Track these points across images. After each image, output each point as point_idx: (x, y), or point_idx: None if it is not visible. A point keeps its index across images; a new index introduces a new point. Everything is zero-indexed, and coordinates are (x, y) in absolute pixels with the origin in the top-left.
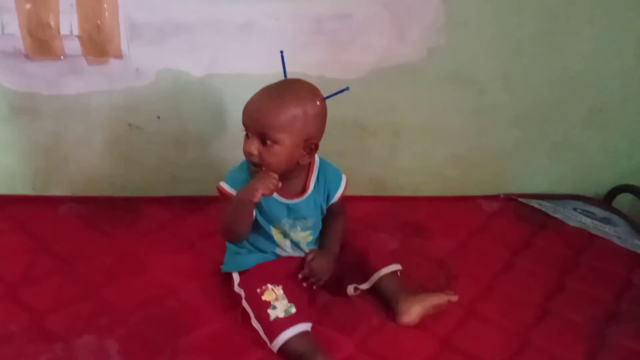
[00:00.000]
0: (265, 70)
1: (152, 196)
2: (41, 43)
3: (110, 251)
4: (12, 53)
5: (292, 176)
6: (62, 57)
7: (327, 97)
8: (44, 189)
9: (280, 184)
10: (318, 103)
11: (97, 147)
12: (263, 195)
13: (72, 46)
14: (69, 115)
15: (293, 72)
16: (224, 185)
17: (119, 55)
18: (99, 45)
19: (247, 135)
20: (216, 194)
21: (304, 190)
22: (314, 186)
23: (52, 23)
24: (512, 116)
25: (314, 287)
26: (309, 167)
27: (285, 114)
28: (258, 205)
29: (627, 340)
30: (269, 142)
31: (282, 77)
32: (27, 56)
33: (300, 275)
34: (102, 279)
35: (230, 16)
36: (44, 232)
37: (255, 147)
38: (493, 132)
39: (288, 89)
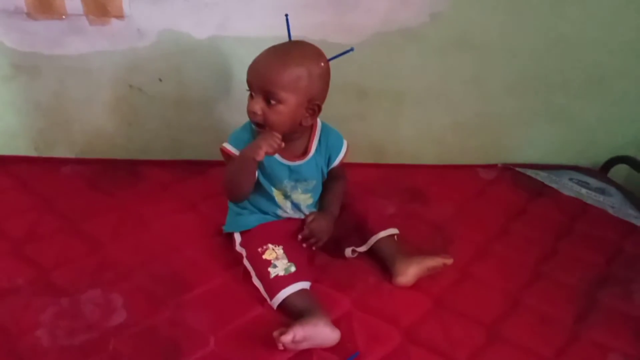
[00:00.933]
0: (268, 33)
1: (154, 159)
2: (42, 1)
3: (113, 210)
4: (13, 11)
5: (295, 138)
6: (63, 16)
7: (332, 59)
8: (47, 150)
9: (283, 144)
10: (322, 64)
11: (99, 108)
12: (266, 154)
13: (74, 5)
14: (71, 75)
15: (295, 35)
16: (227, 146)
17: (121, 15)
18: (100, 4)
19: (250, 95)
20: (218, 157)
21: (305, 152)
22: (316, 149)
23: None
24: (512, 83)
25: (314, 248)
26: (311, 130)
27: (290, 72)
28: (260, 166)
29: (616, 302)
30: (273, 102)
31: (285, 40)
32: (28, 15)
33: (300, 236)
34: (106, 237)
35: None
36: (47, 191)
37: (259, 106)
38: (493, 99)
39: (293, 50)
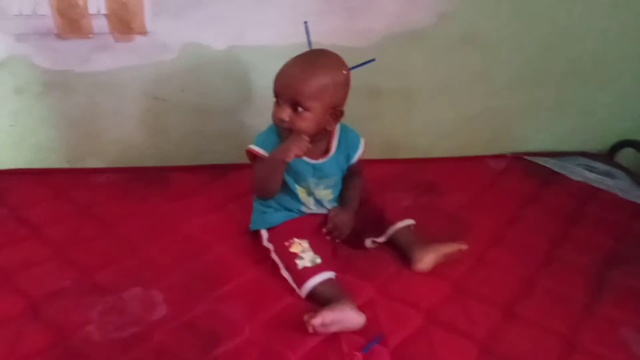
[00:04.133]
0: (284, 41)
1: (180, 165)
2: (71, 22)
3: (146, 214)
4: (44, 33)
5: (317, 139)
6: (90, 35)
7: (353, 68)
8: (79, 162)
9: (310, 147)
10: (344, 72)
11: (126, 119)
12: (296, 156)
13: (100, 24)
14: (99, 90)
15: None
16: (255, 147)
17: (144, 32)
18: (124, 22)
19: (277, 103)
20: (240, 161)
21: (327, 151)
22: (336, 148)
23: (80, 2)
24: (519, 76)
25: (337, 241)
26: (331, 131)
27: (316, 82)
28: (287, 165)
29: (627, 280)
30: (300, 109)
31: (302, 47)
32: (58, 35)
33: (324, 230)
34: (143, 239)
35: None
36: (84, 199)
37: (287, 113)
38: (501, 92)
39: (318, 60)
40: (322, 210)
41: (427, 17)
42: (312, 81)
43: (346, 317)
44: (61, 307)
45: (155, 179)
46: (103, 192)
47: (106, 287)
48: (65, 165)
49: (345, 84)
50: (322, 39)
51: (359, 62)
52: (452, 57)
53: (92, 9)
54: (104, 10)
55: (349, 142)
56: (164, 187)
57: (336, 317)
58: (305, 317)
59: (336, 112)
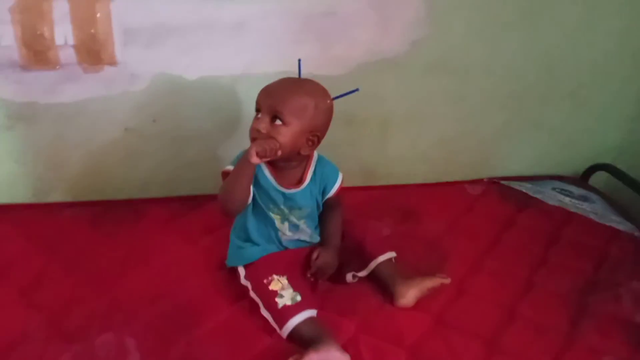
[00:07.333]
0: (257, 69)
1: (152, 197)
2: (37, 54)
3: (116, 250)
4: (8, 64)
5: (291, 167)
6: (57, 67)
7: (336, 98)
8: (45, 195)
9: (280, 152)
10: (328, 101)
11: (95, 151)
12: (258, 154)
13: (68, 55)
14: (67, 121)
15: (283, 70)
16: (228, 167)
17: (113, 62)
18: (93, 53)
19: (256, 116)
20: (214, 191)
21: (300, 181)
22: (311, 178)
23: (46, 34)
24: (492, 101)
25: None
26: (307, 161)
27: (300, 100)
28: (259, 190)
29: (606, 306)
30: (278, 122)
31: (276, 75)
32: (23, 67)
33: (308, 274)
34: (112, 279)
35: (220, 17)
36: (49, 236)
37: (264, 125)
38: (475, 117)
39: (305, 83)
40: (300, 236)
41: (399, 44)
42: (295, 97)
43: (332, 358)
44: (26, 355)
45: (125, 212)
46: (70, 228)
47: (75, 332)
48: (31, 200)
49: (327, 112)
50: (295, 66)
51: (341, 92)
52: (426, 83)
53: (59, 40)
54: (71, 41)
55: (325, 174)
56: (134, 221)
57: (320, 358)
58: None
59: (313, 138)
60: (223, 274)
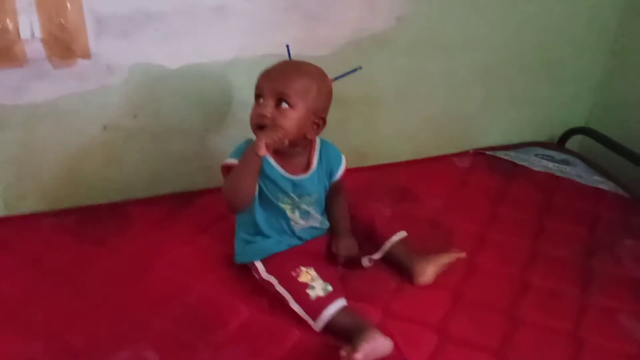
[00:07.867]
0: (241, 54)
1: (137, 198)
2: (0, 50)
3: (108, 259)
4: None
5: (297, 153)
6: (24, 63)
7: (337, 78)
8: (18, 204)
9: (287, 142)
10: (328, 82)
11: (72, 153)
12: (267, 145)
13: (35, 49)
14: (39, 123)
15: (270, 53)
16: (229, 160)
17: (87, 55)
18: (64, 45)
19: (257, 103)
20: (204, 186)
21: (308, 166)
22: (317, 163)
23: (9, 26)
24: (476, 75)
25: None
26: (311, 146)
27: (303, 81)
28: (266, 180)
29: (608, 267)
30: (284, 105)
31: (263, 59)
32: None
33: (339, 265)
34: (111, 289)
35: (200, 0)
36: (30, 250)
37: (270, 109)
38: (460, 92)
39: (305, 65)
40: (312, 223)
41: (386, 21)
42: (300, 79)
43: (380, 344)
44: None
45: (110, 217)
46: (52, 238)
47: (85, 351)
48: (3, 211)
49: (328, 93)
50: (285, 50)
51: (329, 73)
52: (412, 61)
53: (24, 33)
54: (38, 34)
55: (330, 157)
56: (122, 226)
57: (372, 347)
58: (343, 353)
59: (318, 120)
60: (230, 271)
